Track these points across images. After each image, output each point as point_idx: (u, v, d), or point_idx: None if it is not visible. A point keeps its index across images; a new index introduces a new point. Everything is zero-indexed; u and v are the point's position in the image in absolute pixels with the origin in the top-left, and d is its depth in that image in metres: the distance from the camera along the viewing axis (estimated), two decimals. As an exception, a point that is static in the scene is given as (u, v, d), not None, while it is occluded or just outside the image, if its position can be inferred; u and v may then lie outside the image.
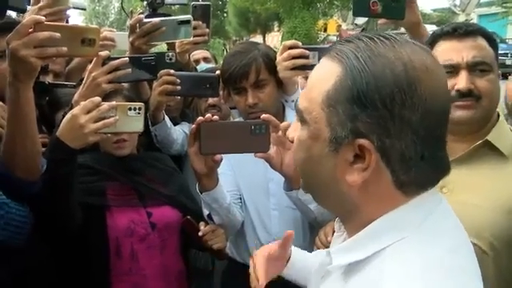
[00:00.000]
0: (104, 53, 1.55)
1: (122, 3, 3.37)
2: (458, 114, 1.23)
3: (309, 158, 0.72)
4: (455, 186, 1.23)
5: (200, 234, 1.52)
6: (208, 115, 1.32)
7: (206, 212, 1.56)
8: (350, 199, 0.69)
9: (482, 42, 1.24)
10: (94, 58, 1.53)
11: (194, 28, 1.89)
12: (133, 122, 1.39)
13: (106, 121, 1.32)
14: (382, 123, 0.63)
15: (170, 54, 1.91)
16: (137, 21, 1.72)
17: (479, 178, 1.23)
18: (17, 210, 1.34)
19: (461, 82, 1.22)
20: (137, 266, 1.49)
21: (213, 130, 1.30)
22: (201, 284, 1.98)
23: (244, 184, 1.70)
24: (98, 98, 1.34)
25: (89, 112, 1.31)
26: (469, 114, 1.23)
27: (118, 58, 1.55)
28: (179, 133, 1.99)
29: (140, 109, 1.40)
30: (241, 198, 1.69)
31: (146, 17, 1.79)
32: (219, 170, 1.46)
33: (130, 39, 1.74)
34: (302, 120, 0.72)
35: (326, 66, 0.69)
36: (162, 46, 2.91)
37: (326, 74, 0.68)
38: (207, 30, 1.94)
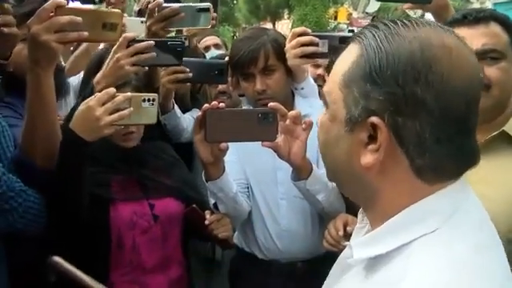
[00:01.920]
0: (130, 34, 1.51)
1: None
2: None
3: (327, 141, 0.72)
4: (469, 177, 1.20)
5: (206, 222, 1.50)
6: (214, 102, 1.29)
7: (211, 201, 1.54)
8: (368, 184, 0.67)
9: (494, 27, 1.20)
10: (120, 39, 1.49)
11: None
12: (146, 113, 1.36)
13: (121, 113, 1.29)
14: (393, 100, 0.61)
15: (183, 37, 1.89)
16: (156, 5, 1.68)
17: (494, 170, 1.19)
18: (34, 198, 1.33)
19: None
20: (138, 258, 1.47)
21: (219, 118, 1.27)
22: (210, 275, 1.98)
23: (251, 173, 1.67)
24: (112, 89, 1.30)
25: (104, 104, 1.27)
26: None
27: (144, 41, 1.51)
28: (189, 121, 1.97)
29: (154, 100, 1.37)
30: (248, 187, 1.67)
31: (165, 1, 1.76)
32: (226, 158, 1.44)
33: (148, 23, 1.70)
34: (325, 103, 0.72)
35: (349, 49, 0.69)
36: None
37: (346, 56, 0.68)
38: (215, 14, 1.91)
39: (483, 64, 1.18)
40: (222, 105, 1.29)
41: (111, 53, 1.50)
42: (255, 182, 1.67)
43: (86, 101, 1.31)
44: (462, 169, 0.67)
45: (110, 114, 1.28)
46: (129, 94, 1.35)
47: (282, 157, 1.37)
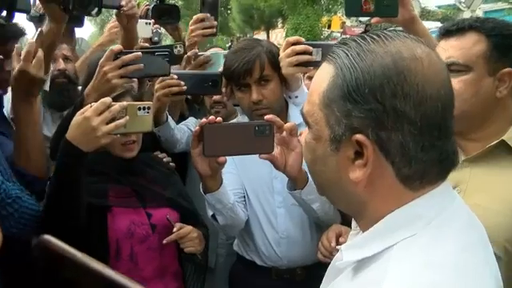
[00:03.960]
0: (116, 47, 1.52)
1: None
2: None
3: (315, 159, 0.73)
4: (468, 186, 1.21)
5: (174, 230, 1.50)
6: (211, 117, 1.30)
7: (209, 213, 1.55)
8: (357, 197, 0.69)
9: (470, 38, 1.19)
10: (107, 51, 1.51)
11: (203, 20, 1.88)
12: (142, 121, 1.37)
13: (117, 122, 1.29)
14: (375, 116, 0.64)
15: (179, 45, 1.91)
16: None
17: (493, 180, 1.19)
18: (29, 204, 1.37)
19: None
20: (135, 267, 1.48)
21: (216, 132, 1.28)
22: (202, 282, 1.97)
23: (248, 183, 1.69)
24: (108, 99, 1.30)
25: (100, 114, 1.28)
26: None
27: (131, 53, 1.52)
28: (183, 132, 1.97)
29: (149, 108, 1.38)
30: (245, 197, 1.68)
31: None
32: (223, 169, 1.45)
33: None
34: (307, 123, 0.73)
35: (323, 69, 0.71)
36: (169, 39, 2.91)
37: (322, 76, 0.70)
38: (215, 23, 1.94)
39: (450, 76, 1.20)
40: (219, 119, 1.30)
41: (98, 66, 1.51)
42: (252, 191, 1.68)
43: (81, 111, 1.31)
44: (444, 172, 0.69)
45: (107, 123, 1.28)
46: (124, 103, 1.35)
47: (279, 168, 1.38)
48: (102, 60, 1.50)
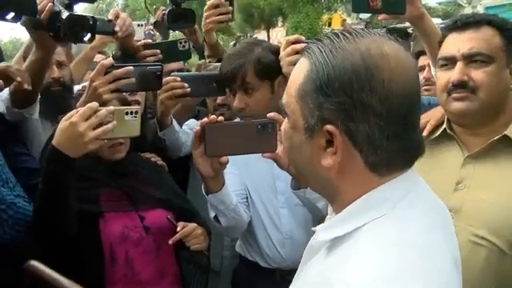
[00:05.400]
0: (107, 61, 1.51)
1: (145, 2, 3.40)
2: (453, 105, 1.22)
3: (292, 147, 0.80)
4: (472, 181, 1.21)
5: (178, 229, 1.49)
6: (213, 116, 1.29)
7: (212, 214, 1.54)
8: (330, 183, 0.75)
9: (486, 31, 1.21)
10: (97, 66, 1.49)
11: (217, 6, 1.88)
12: (130, 126, 1.36)
13: (104, 127, 1.28)
14: (344, 109, 0.69)
15: (183, 40, 1.90)
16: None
17: (497, 174, 1.20)
18: (24, 211, 1.35)
19: (454, 73, 1.21)
20: (132, 271, 1.46)
21: (218, 132, 1.27)
22: (205, 283, 1.97)
23: (251, 183, 1.68)
24: (95, 104, 1.29)
25: (87, 119, 1.26)
26: (463, 105, 1.21)
27: (122, 67, 1.50)
28: (187, 135, 1.97)
29: (136, 112, 1.37)
30: (247, 198, 1.67)
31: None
32: (224, 170, 1.44)
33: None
34: (285, 113, 0.80)
35: (300, 63, 0.77)
36: (177, 34, 2.90)
37: (299, 70, 0.76)
38: (230, 8, 1.93)
39: (470, 67, 1.20)
40: (220, 118, 1.29)
41: (89, 80, 1.50)
42: (255, 192, 1.67)
43: (67, 116, 1.29)
44: (410, 160, 0.75)
45: (94, 128, 1.27)
46: (111, 107, 1.34)
47: (282, 167, 1.37)
48: (92, 74, 1.49)
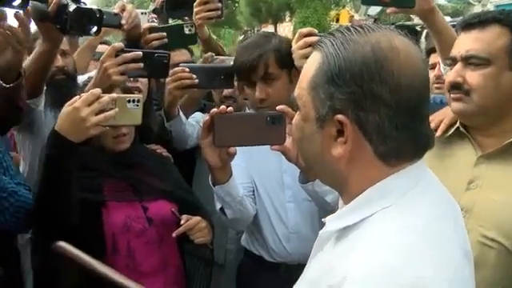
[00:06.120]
0: (118, 44, 1.54)
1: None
2: (452, 105, 1.24)
3: (302, 138, 0.81)
4: (484, 181, 1.21)
5: (182, 222, 1.49)
6: (222, 107, 1.29)
7: (218, 205, 1.53)
8: (340, 173, 0.77)
9: (492, 31, 1.19)
10: (108, 48, 1.51)
11: (206, 2, 1.88)
12: (131, 114, 1.36)
13: (107, 113, 1.29)
14: (354, 99, 0.71)
15: (190, 24, 1.89)
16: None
17: (509, 176, 1.19)
18: (25, 199, 1.36)
19: (450, 74, 1.22)
20: (133, 262, 1.46)
21: (227, 122, 1.27)
22: (209, 276, 1.96)
23: (258, 176, 1.67)
24: (98, 90, 1.30)
25: (89, 105, 1.27)
26: (460, 106, 1.22)
27: (132, 51, 1.53)
28: (193, 127, 1.96)
29: (138, 101, 1.37)
30: (253, 191, 1.67)
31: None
32: (232, 162, 1.43)
33: None
34: (297, 106, 0.81)
35: (313, 57, 0.79)
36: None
37: (311, 63, 0.78)
38: (219, 5, 1.92)
39: (467, 69, 1.20)
40: (230, 109, 1.28)
41: (99, 63, 1.53)
42: (262, 186, 1.67)
43: (70, 102, 1.30)
44: (419, 151, 0.76)
45: (96, 114, 1.28)
46: (114, 94, 1.35)
47: (291, 160, 1.36)
48: (103, 56, 1.52)
